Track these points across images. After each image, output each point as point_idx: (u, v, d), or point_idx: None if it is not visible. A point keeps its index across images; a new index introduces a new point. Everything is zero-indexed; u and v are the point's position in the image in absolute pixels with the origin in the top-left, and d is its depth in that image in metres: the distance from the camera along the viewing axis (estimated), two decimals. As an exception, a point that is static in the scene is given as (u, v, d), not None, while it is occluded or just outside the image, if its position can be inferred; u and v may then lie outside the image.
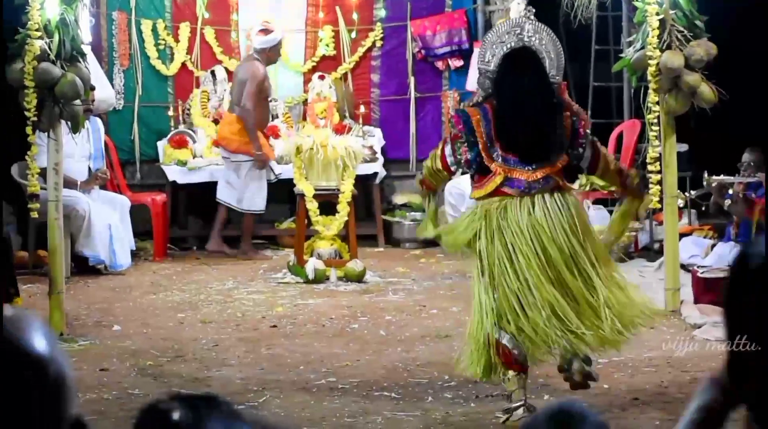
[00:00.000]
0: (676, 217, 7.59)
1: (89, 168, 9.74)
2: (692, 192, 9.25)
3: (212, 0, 11.30)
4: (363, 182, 10.33)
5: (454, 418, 5.40)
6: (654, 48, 7.06)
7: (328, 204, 9.36)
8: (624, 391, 5.76)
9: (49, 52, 6.76)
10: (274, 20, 10.72)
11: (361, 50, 11.49)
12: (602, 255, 5.32)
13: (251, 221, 10.40)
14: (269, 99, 10.65)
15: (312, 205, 9.21)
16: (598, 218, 9.40)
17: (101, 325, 7.54)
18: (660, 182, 7.23)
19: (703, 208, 9.16)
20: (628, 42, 7.71)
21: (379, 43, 11.53)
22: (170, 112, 11.24)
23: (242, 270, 9.67)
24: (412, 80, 11.51)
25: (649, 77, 7.13)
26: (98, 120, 10.14)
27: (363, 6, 11.49)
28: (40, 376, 1.55)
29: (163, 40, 11.27)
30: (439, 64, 11.49)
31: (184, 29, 11.27)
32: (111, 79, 10.90)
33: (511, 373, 5.27)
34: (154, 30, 11.24)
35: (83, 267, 9.44)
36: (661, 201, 7.33)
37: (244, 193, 10.29)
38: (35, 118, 6.81)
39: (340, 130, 10.58)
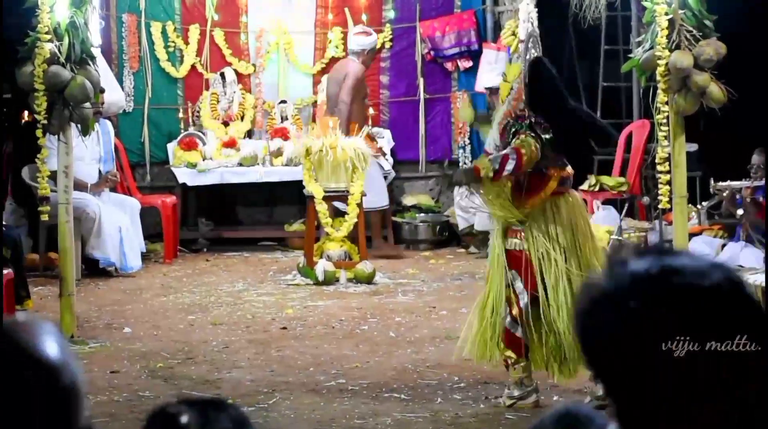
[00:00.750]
0: (686, 217, 7.56)
1: (99, 170, 9.76)
2: (704, 203, 9.21)
3: (222, 2, 11.30)
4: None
5: (464, 420, 5.40)
6: (663, 48, 7.04)
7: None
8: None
9: (58, 55, 6.76)
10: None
11: (370, 52, 11.49)
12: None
13: (378, 218, 10.49)
14: (365, 98, 10.67)
15: (321, 207, 9.21)
16: (607, 218, 9.41)
17: (112, 327, 7.55)
18: (669, 182, 7.21)
19: (716, 217, 9.12)
20: (637, 42, 7.68)
21: (388, 45, 11.52)
22: (180, 115, 11.25)
23: (252, 272, 9.68)
24: (421, 81, 11.50)
25: (658, 77, 7.10)
26: (108, 122, 10.16)
27: (372, 7, 11.48)
28: (52, 383, 1.55)
29: (173, 42, 11.28)
30: (449, 65, 11.47)
31: (194, 31, 11.28)
32: (121, 82, 10.92)
33: (517, 359, 5.54)
34: (164, 32, 11.25)
35: (94, 269, 9.46)
36: (670, 201, 7.31)
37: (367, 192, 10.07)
38: (45, 121, 6.82)
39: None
